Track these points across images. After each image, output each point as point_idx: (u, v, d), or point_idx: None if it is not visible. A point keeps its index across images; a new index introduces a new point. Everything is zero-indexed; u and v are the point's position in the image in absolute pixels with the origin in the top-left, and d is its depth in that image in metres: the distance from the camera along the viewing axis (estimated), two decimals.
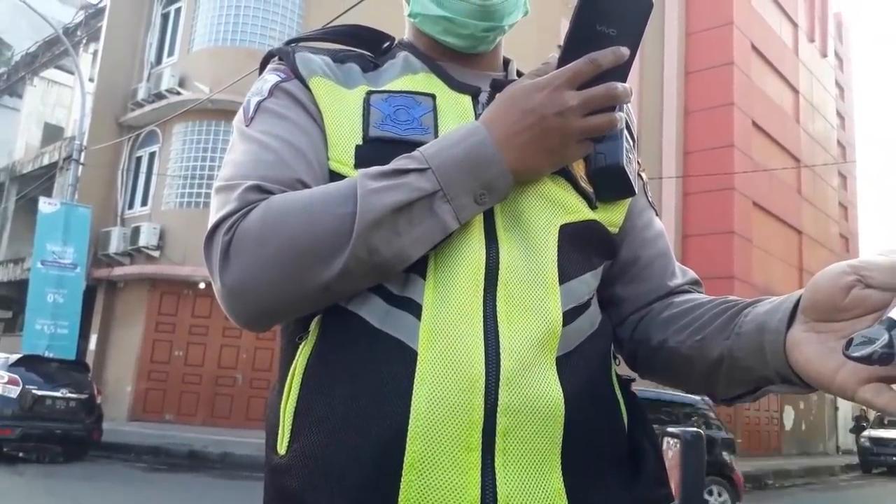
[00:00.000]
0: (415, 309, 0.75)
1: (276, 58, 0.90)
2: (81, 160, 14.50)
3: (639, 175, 0.95)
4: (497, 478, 0.71)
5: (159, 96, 15.23)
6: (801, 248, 21.69)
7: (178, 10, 16.28)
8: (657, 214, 0.99)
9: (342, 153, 0.81)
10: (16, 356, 10.81)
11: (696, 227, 18.22)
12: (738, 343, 0.75)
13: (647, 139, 17.38)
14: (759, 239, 19.12)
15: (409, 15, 0.94)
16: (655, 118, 18.28)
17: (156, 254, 14.46)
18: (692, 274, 0.97)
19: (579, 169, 0.85)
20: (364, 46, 0.94)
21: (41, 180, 18.40)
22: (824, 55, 25.64)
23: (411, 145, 0.78)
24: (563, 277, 0.80)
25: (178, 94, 14.91)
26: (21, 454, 9.79)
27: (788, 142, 21.55)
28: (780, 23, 22.23)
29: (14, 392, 9.94)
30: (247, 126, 0.84)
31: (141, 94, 15.63)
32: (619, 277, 0.93)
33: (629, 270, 0.93)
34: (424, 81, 0.88)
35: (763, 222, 19.56)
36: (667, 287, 0.93)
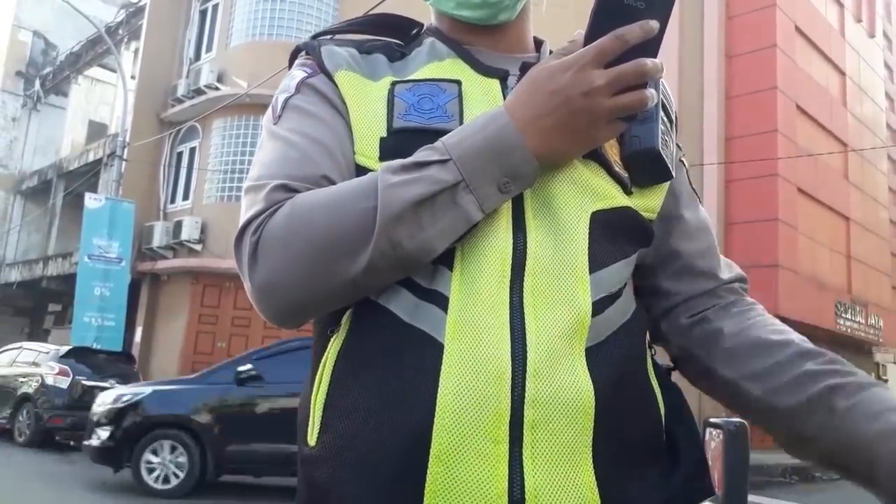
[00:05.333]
0: (442, 301, 0.74)
1: (304, 52, 0.90)
2: (125, 156, 14.83)
3: (681, 161, 0.92)
4: (525, 470, 0.70)
5: (199, 92, 15.48)
6: (848, 235, 21.12)
7: (215, 7, 16.50)
8: (700, 200, 0.96)
9: (367, 146, 0.81)
10: (65, 348, 11.17)
11: (739, 215, 17.86)
12: (844, 455, 0.75)
13: (687, 125, 17.09)
14: (805, 226, 18.67)
15: None
16: (696, 104, 17.94)
17: (198, 247, 14.73)
18: (738, 269, 0.94)
19: (613, 153, 0.83)
20: (392, 34, 0.93)
21: (87, 176, 18.88)
22: (872, 35, 24.85)
23: (435, 133, 0.76)
24: (594, 266, 0.77)
25: (217, 89, 15.13)
26: (72, 443, 10.09)
27: (835, 126, 20.98)
28: (825, 3, 21.60)
29: (64, 383, 10.27)
30: (275, 124, 0.84)
31: (181, 90, 15.90)
32: (663, 268, 0.91)
33: (675, 262, 0.91)
34: (451, 67, 0.86)
35: (808, 209, 19.09)
36: (714, 281, 0.91)
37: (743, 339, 0.85)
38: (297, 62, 0.90)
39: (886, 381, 21.75)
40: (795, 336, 0.83)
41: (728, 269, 0.93)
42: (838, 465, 0.76)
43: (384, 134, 0.80)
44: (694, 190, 0.95)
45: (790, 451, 0.82)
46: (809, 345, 0.82)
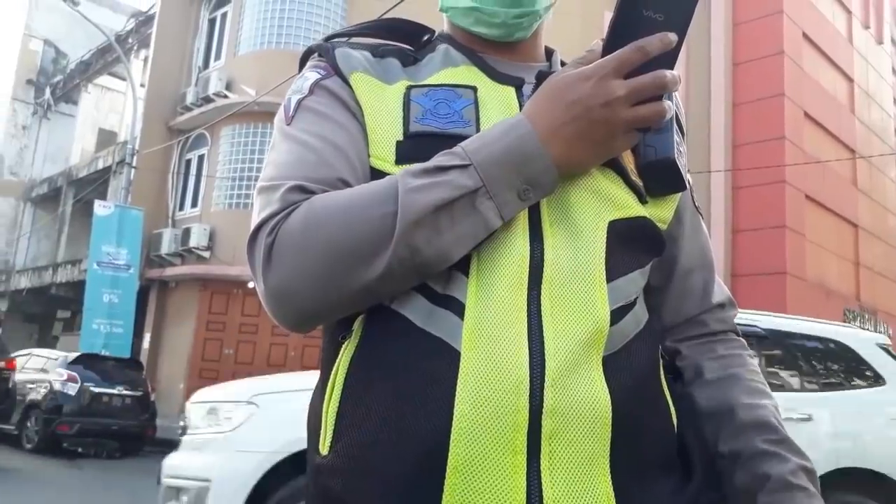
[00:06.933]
0: (457, 308, 0.73)
1: (316, 54, 0.89)
2: (134, 164, 14.91)
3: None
4: (543, 481, 0.69)
5: (207, 100, 15.56)
6: (857, 242, 21.01)
7: (224, 15, 16.62)
8: (702, 217, 0.97)
9: (383, 149, 0.80)
10: (74, 354, 11.22)
11: (746, 222, 17.80)
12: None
13: (694, 132, 17.05)
14: (813, 233, 18.59)
15: (441, 9, 0.93)
16: (703, 111, 17.91)
17: (206, 254, 14.79)
18: (726, 292, 0.96)
19: (629, 162, 0.82)
20: (403, 40, 0.93)
21: (96, 184, 18.99)
22: (880, 42, 24.78)
23: (452, 139, 0.76)
24: (611, 275, 0.77)
25: (226, 97, 15.21)
26: (80, 449, 10.13)
27: (843, 132, 20.90)
28: (832, 10, 21.57)
29: (73, 389, 10.31)
30: (288, 125, 0.83)
31: (189, 98, 16.00)
32: (657, 280, 0.90)
33: (671, 277, 0.92)
34: (465, 74, 0.85)
35: (816, 216, 19.01)
36: (701, 306, 0.92)
37: (715, 392, 0.87)
38: (309, 63, 0.89)
39: None
40: (766, 401, 0.86)
41: (720, 291, 0.95)
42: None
43: (400, 137, 0.80)
44: (697, 208, 0.95)
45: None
46: (771, 417, 0.85)
